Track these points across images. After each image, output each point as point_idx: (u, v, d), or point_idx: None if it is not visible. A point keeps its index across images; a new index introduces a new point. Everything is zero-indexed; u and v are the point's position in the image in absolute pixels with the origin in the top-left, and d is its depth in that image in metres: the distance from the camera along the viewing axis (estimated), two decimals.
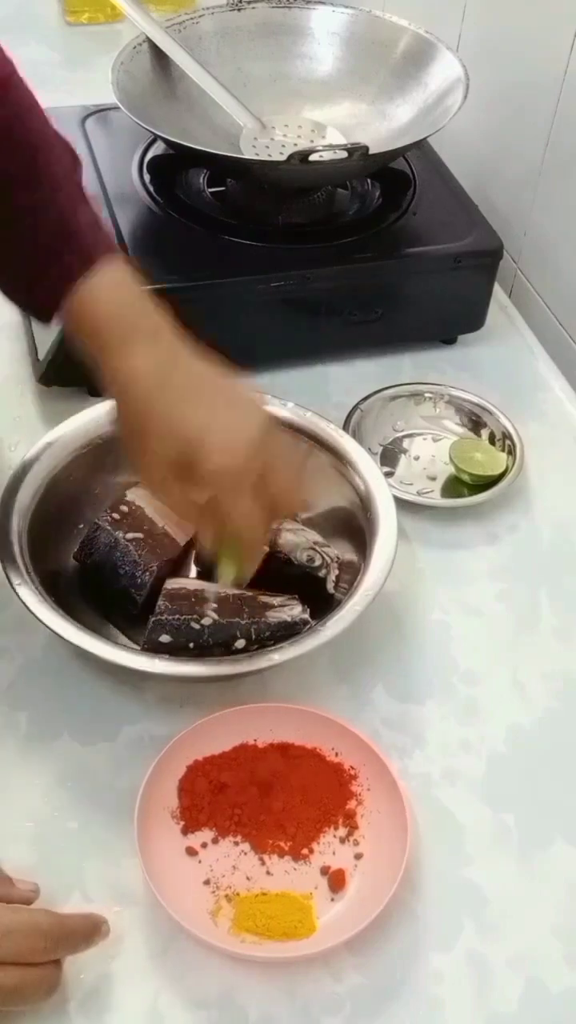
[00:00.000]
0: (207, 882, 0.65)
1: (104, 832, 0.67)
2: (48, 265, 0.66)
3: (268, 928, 0.62)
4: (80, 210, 0.68)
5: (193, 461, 0.64)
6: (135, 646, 0.75)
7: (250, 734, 0.70)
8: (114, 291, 0.67)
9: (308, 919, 0.63)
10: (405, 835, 0.64)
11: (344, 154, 0.89)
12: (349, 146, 0.90)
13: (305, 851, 0.67)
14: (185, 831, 0.67)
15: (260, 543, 0.71)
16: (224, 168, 1.01)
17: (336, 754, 0.70)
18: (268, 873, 0.66)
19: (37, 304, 0.69)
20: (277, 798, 0.68)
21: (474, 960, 0.63)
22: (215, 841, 0.67)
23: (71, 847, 0.67)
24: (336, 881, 0.65)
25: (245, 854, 0.67)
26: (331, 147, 0.92)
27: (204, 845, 0.67)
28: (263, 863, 0.66)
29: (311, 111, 1.06)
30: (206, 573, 0.80)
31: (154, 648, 0.71)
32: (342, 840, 0.67)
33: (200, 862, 0.66)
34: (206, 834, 0.67)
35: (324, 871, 0.66)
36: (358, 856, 0.66)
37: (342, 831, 0.68)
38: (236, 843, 0.67)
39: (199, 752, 0.69)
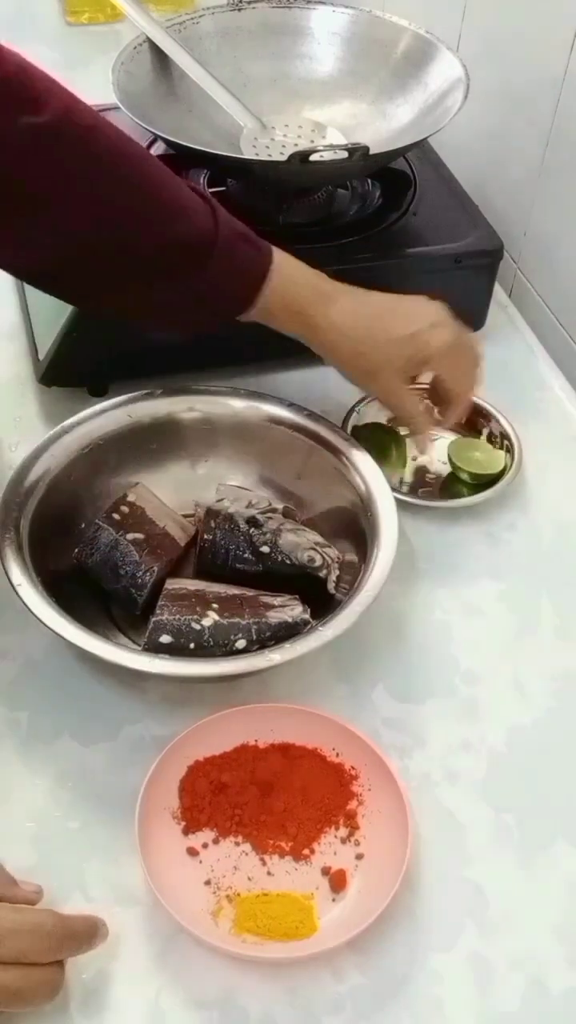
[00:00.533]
0: (208, 882, 0.65)
1: (105, 832, 0.67)
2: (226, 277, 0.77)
3: (269, 928, 0.63)
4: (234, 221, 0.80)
5: (419, 350, 0.80)
6: (135, 646, 0.75)
7: (251, 734, 0.70)
8: (295, 272, 0.79)
9: (309, 919, 0.63)
10: (406, 835, 0.64)
11: (344, 154, 0.89)
12: (349, 146, 0.90)
13: (306, 851, 0.67)
14: (186, 831, 0.67)
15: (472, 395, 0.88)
16: (224, 168, 1.01)
17: (337, 754, 0.70)
18: (269, 873, 0.66)
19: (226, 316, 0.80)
20: (278, 798, 0.68)
21: (474, 960, 0.63)
22: (216, 841, 0.67)
23: (72, 847, 0.67)
24: (337, 881, 0.65)
25: (246, 854, 0.67)
26: (331, 147, 0.91)
27: (205, 845, 0.67)
28: (264, 863, 0.66)
29: (311, 111, 1.06)
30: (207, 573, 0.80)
31: (155, 648, 0.71)
32: (343, 840, 0.67)
33: (201, 862, 0.66)
34: (207, 834, 0.67)
35: (325, 871, 0.66)
36: (359, 856, 0.66)
37: (343, 831, 0.68)
38: (237, 843, 0.67)
39: (200, 752, 0.69)
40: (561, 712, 0.76)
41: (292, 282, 0.79)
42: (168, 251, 0.74)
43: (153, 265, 0.74)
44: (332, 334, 0.80)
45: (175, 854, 0.66)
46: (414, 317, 0.81)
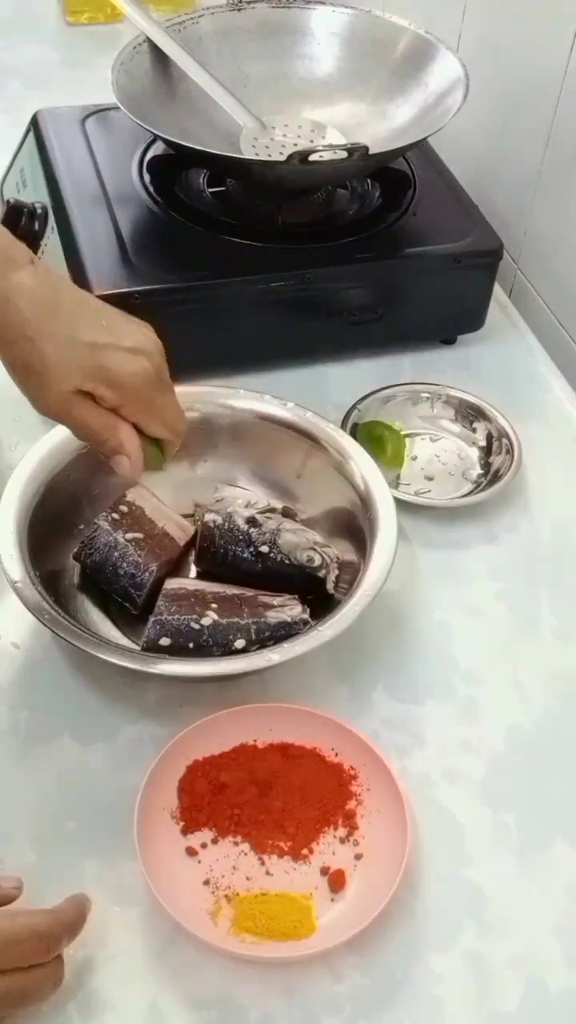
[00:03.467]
0: (207, 882, 0.65)
1: (104, 832, 0.67)
2: None
3: (268, 928, 0.62)
4: None
5: (107, 366, 0.64)
6: (135, 646, 0.75)
7: (250, 734, 0.70)
8: None
9: (308, 919, 0.63)
10: (405, 835, 0.64)
11: (344, 154, 0.89)
12: (349, 146, 0.90)
13: (305, 851, 0.67)
14: (185, 831, 0.67)
15: (184, 426, 0.71)
16: (224, 168, 1.01)
17: (336, 754, 0.70)
18: (268, 873, 0.66)
19: None
20: (277, 798, 0.68)
21: (474, 960, 0.63)
22: (215, 841, 0.67)
23: (71, 847, 0.67)
24: (336, 881, 0.65)
25: (245, 854, 0.67)
26: (331, 147, 0.92)
27: (204, 845, 0.67)
28: (263, 863, 0.66)
29: (311, 111, 1.06)
30: (206, 573, 0.80)
31: (154, 648, 0.71)
32: (342, 840, 0.67)
33: (200, 862, 0.66)
34: (206, 834, 0.67)
35: (324, 871, 0.66)
36: (358, 856, 0.66)
37: (342, 831, 0.68)
38: (236, 843, 0.67)
39: (199, 752, 0.69)
40: (560, 712, 0.76)
41: None
42: None
43: None
44: (18, 295, 0.63)
45: (174, 854, 0.66)
46: (115, 327, 0.66)
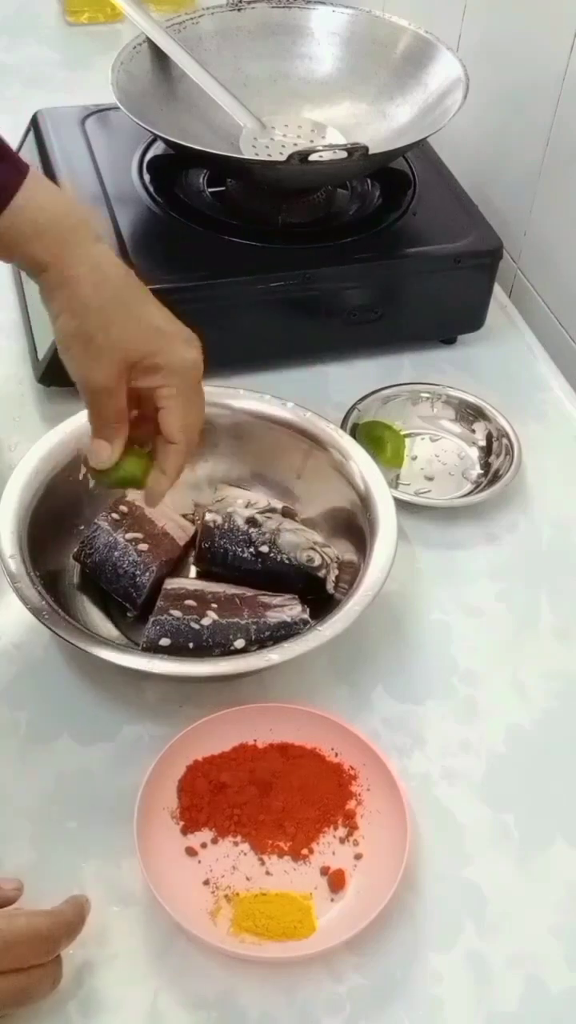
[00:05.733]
0: (207, 882, 0.65)
1: (104, 832, 0.67)
2: None
3: (268, 928, 0.62)
4: None
5: (157, 352, 0.67)
6: (135, 646, 0.75)
7: (250, 734, 0.70)
8: (51, 196, 0.66)
9: (308, 919, 0.63)
10: (405, 835, 0.64)
11: (344, 154, 0.89)
12: (349, 146, 0.90)
13: (305, 851, 0.67)
14: (185, 831, 0.67)
15: (196, 438, 0.71)
16: (224, 168, 1.01)
17: (336, 754, 0.70)
18: (268, 873, 0.66)
19: None
20: (277, 798, 0.68)
21: (474, 960, 0.63)
22: (215, 841, 0.67)
23: (70, 847, 0.67)
24: (336, 881, 0.65)
25: (245, 854, 0.67)
26: (331, 147, 0.92)
27: (204, 845, 0.67)
28: (263, 863, 0.66)
29: (311, 111, 1.06)
30: (205, 573, 0.80)
31: (154, 648, 0.71)
32: (342, 840, 0.67)
33: (200, 862, 0.66)
34: (206, 834, 0.67)
35: (324, 871, 0.66)
36: (358, 856, 0.66)
37: (342, 831, 0.67)
38: (236, 843, 0.67)
39: (199, 752, 0.69)
40: (560, 712, 0.76)
41: (49, 202, 0.66)
42: None
43: None
44: (73, 285, 0.65)
45: (174, 854, 0.66)
46: (168, 318, 0.69)
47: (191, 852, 0.66)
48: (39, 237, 0.65)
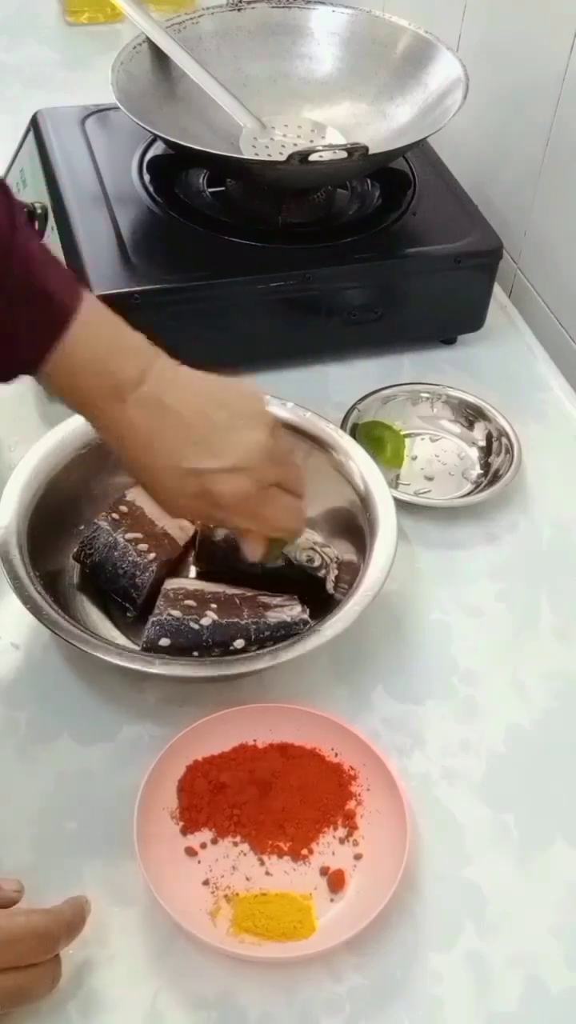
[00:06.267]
0: (206, 882, 0.65)
1: (103, 832, 0.67)
2: (20, 328, 0.62)
3: (267, 928, 0.62)
4: (41, 260, 0.63)
5: (207, 492, 0.66)
6: (135, 646, 0.75)
7: (249, 734, 0.70)
8: (93, 342, 0.63)
9: (307, 919, 0.63)
10: (404, 835, 0.64)
11: (344, 154, 0.89)
12: (349, 146, 0.90)
13: (304, 851, 0.67)
14: (184, 831, 0.67)
15: (299, 529, 0.73)
16: (224, 168, 1.01)
17: (336, 754, 0.70)
18: (267, 873, 0.66)
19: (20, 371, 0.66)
20: (276, 798, 0.68)
21: (474, 960, 0.63)
22: (214, 841, 0.67)
23: (70, 847, 0.67)
24: (335, 881, 0.65)
25: (244, 854, 0.66)
26: (331, 147, 0.92)
27: (203, 845, 0.67)
28: (262, 863, 0.66)
29: (311, 111, 1.06)
30: (205, 573, 0.80)
31: (153, 648, 0.71)
32: (341, 840, 0.67)
33: (199, 862, 0.66)
34: (205, 834, 0.67)
35: (323, 871, 0.66)
36: (357, 856, 0.66)
37: (341, 831, 0.67)
38: (235, 843, 0.67)
39: (198, 752, 0.69)
40: (560, 712, 0.76)
41: (89, 357, 0.63)
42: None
43: None
44: (117, 431, 0.65)
45: (173, 854, 0.66)
46: (216, 441, 0.65)
47: (191, 852, 0.66)
48: (78, 391, 0.65)
